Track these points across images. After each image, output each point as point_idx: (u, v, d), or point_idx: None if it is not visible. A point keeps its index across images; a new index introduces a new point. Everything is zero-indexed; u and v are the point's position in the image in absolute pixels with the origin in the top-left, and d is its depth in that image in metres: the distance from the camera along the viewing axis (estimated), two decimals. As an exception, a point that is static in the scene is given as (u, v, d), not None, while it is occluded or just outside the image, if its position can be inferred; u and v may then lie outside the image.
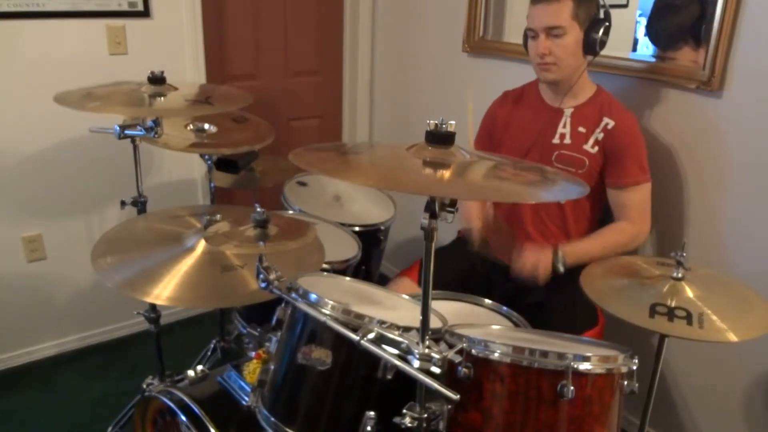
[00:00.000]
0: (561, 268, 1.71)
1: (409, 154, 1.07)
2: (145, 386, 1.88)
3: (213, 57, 2.60)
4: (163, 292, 1.33)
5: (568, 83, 1.75)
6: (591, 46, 1.68)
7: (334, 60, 3.04)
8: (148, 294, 1.33)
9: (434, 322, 1.24)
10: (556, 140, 1.79)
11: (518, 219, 1.86)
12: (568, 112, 1.79)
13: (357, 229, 2.05)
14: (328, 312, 1.15)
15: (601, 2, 1.67)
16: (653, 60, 1.89)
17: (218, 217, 1.48)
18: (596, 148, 1.74)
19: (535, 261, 1.70)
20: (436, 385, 0.98)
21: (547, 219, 1.83)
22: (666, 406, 2.04)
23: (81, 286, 2.50)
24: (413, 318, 1.11)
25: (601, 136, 1.73)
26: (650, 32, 1.90)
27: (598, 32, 1.66)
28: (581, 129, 1.76)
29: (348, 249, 1.90)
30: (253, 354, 1.43)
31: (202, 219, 1.56)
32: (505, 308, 1.58)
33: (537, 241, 1.83)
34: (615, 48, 1.91)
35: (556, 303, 1.71)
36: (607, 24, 1.67)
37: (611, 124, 1.72)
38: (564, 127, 1.78)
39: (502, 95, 1.99)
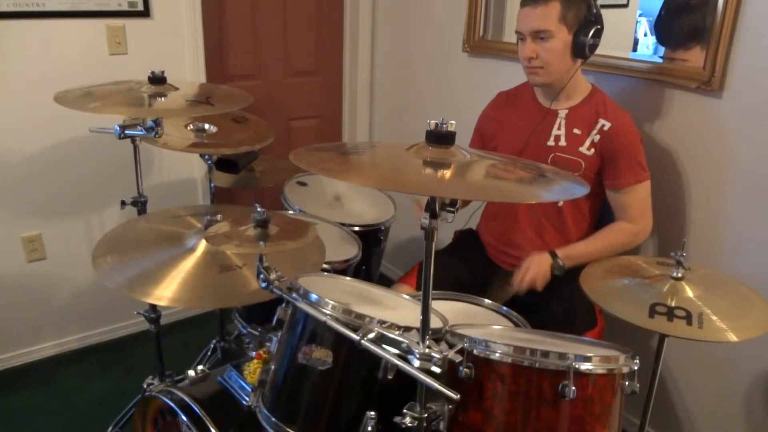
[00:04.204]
0: (559, 273, 1.71)
1: (410, 154, 1.07)
2: (145, 386, 1.88)
3: (213, 57, 2.60)
4: (164, 292, 1.33)
5: (559, 85, 1.73)
6: (580, 50, 1.65)
7: (334, 60, 3.04)
8: (148, 294, 1.33)
9: (435, 322, 1.24)
10: (551, 142, 1.77)
11: (515, 219, 1.85)
12: (562, 113, 1.77)
13: (357, 229, 2.05)
14: (328, 312, 1.15)
15: (593, 4, 1.64)
16: (656, 60, 1.88)
17: (218, 217, 1.48)
18: (592, 150, 1.72)
19: (533, 278, 1.69)
20: (436, 385, 0.98)
21: (544, 218, 1.82)
22: (666, 406, 2.04)
23: (81, 286, 2.50)
24: (414, 318, 1.11)
25: (597, 138, 1.72)
26: (659, 32, 1.88)
27: (587, 35, 1.63)
28: (576, 131, 1.74)
29: (348, 249, 1.90)
30: (253, 354, 1.43)
31: (203, 219, 1.56)
32: (505, 308, 1.58)
33: (533, 241, 1.83)
34: (615, 48, 1.91)
35: (554, 305, 1.70)
36: (598, 27, 1.63)
37: (607, 125, 1.70)
38: (559, 128, 1.77)
39: (496, 96, 1.98)
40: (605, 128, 1.71)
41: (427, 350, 1.02)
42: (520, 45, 1.71)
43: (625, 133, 1.71)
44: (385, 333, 1.07)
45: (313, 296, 1.18)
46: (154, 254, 1.46)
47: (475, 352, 1.16)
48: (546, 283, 1.70)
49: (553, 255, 1.72)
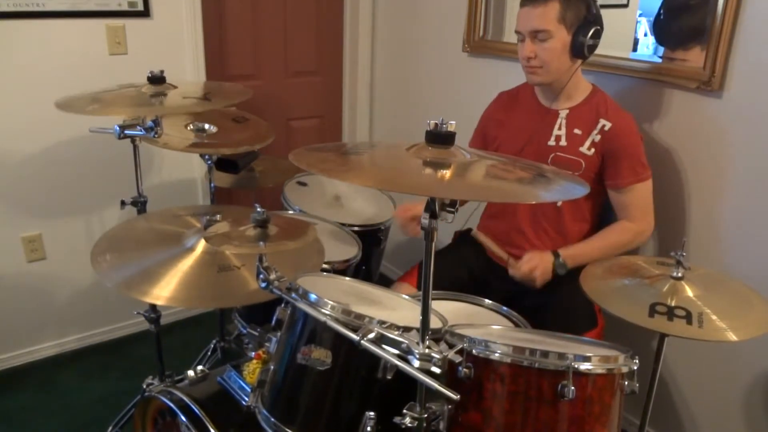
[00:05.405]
0: (561, 272, 1.71)
1: (410, 154, 1.07)
2: (145, 386, 1.88)
3: (213, 57, 2.60)
4: (162, 292, 1.33)
5: (559, 85, 1.73)
6: (578, 50, 1.65)
7: (334, 60, 3.04)
8: (146, 294, 1.33)
9: (434, 322, 1.24)
10: (551, 142, 1.77)
11: (515, 219, 1.85)
12: (563, 113, 1.77)
13: (357, 229, 2.05)
14: (328, 312, 1.15)
15: (592, 4, 1.64)
16: (655, 60, 1.88)
17: (218, 217, 1.48)
18: (592, 150, 1.73)
19: (533, 266, 1.69)
20: (436, 385, 0.98)
21: (543, 219, 1.82)
22: (666, 406, 2.04)
23: (81, 286, 2.50)
24: (413, 318, 1.11)
25: (597, 138, 1.72)
26: (658, 32, 1.88)
27: (586, 36, 1.63)
28: (577, 131, 1.75)
29: (348, 249, 1.90)
30: (253, 354, 1.43)
31: (202, 219, 1.56)
32: (505, 308, 1.58)
33: (532, 240, 1.83)
34: (615, 48, 1.91)
35: (554, 305, 1.70)
36: (597, 27, 1.63)
37: (608, 125, 1.71)
38: (559, 129, 1.77)
39: (497, 97, 1.98)
40: (605, 128, 1.71)
41: (426, 350, 1.02)
42: (519, 45, 1.72)
43: (626, 133, 1.71)
44: (385, 333, 1.07)
45: (313, 296, 1.18)
46: (153, 254, 1.46)
47: (474, 352, 1.16)
48: (546, 280, 1.70)
49: (556, 255, 1.72)
